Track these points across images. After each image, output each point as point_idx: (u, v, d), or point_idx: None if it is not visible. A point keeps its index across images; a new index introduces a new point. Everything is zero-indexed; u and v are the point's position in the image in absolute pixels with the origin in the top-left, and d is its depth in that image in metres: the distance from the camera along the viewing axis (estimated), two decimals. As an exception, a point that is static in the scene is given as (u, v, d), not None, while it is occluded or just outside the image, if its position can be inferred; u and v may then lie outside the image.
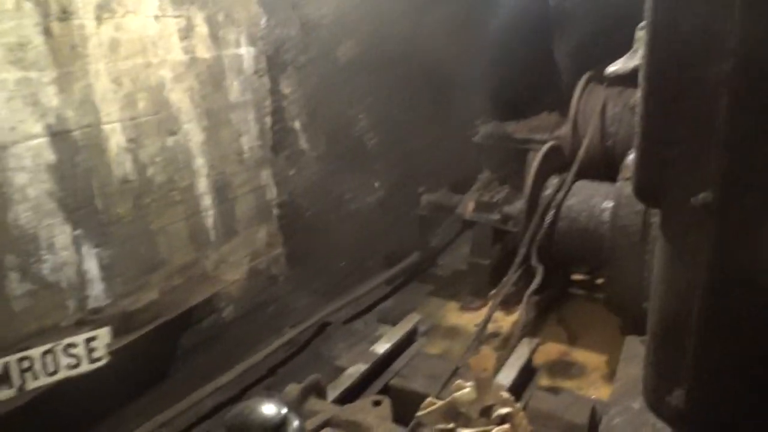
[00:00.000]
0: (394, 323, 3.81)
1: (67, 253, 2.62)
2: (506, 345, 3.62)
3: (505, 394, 2.05)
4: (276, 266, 3.83)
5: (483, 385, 2.02)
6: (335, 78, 4.23)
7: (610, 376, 3.39)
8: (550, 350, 3.77)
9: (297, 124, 3.95)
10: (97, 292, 2.74)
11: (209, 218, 3.34)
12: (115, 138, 2.82)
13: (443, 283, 4.73)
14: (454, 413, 2.01)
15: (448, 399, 2.06)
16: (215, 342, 3.40)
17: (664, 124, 1.12)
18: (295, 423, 1.76)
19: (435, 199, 4.66)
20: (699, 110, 1.06)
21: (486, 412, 1.96)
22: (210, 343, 3.37)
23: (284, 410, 1.75)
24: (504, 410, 1.96)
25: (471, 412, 1.97)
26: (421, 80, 5.16)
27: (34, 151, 2.49)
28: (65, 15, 2.58)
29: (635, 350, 3.15)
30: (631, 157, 3.58)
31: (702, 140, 1.06)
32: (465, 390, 2.04)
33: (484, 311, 3.98)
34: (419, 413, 2.10)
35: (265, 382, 3.38)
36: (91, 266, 2.72)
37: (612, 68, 1.50)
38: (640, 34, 1.58)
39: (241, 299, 3.58)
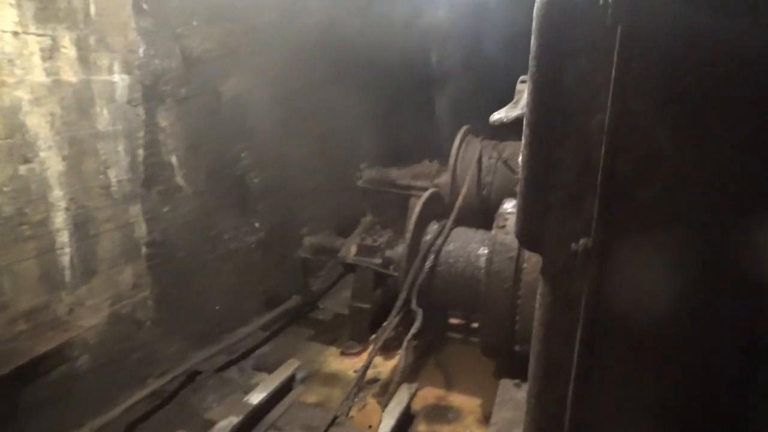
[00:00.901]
0: (270, 371, 3.64)
1: None
2: (386, 391, 3.58)
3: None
4: (142, 310, 3.52)
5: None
6: (218, 114, 4.09)
7: (486, 419, 3.47)
8: (428, 395, 3.79)
9: (174, 159, 3.74)
10: None
11: (65, 256, 3.01)
12: (-46, 163, 2.48)
13: (323, 328, 4.64)
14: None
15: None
16: (66, 396, 3.02)
17: (545, 171, 1.17)
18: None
19: (317, 242, 4.60)
20: (578, 158, 1.13)
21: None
22: (60, 398, 2.98)
23: None
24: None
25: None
26: (308, 122, 5.16)
27: None
28: None
29: (509, 393, 3.26)
30: (505, 206, 3.82)
31: (581, 187, 1.13)
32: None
33: (365, 356, 3.95)
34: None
35: (123, 440, 3.05)
36: None
37: (496, 116, 1.58)
38: (521, 87, 1.68)
39: (100, 347, 3.23)
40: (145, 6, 3.42)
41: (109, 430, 2.99)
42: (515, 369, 3.39)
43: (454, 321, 4.74)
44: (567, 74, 1.10)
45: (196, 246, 3.93)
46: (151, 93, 3.51)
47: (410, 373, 3.88)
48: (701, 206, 1.11)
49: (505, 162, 4.75)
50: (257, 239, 4.55)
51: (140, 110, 3.45)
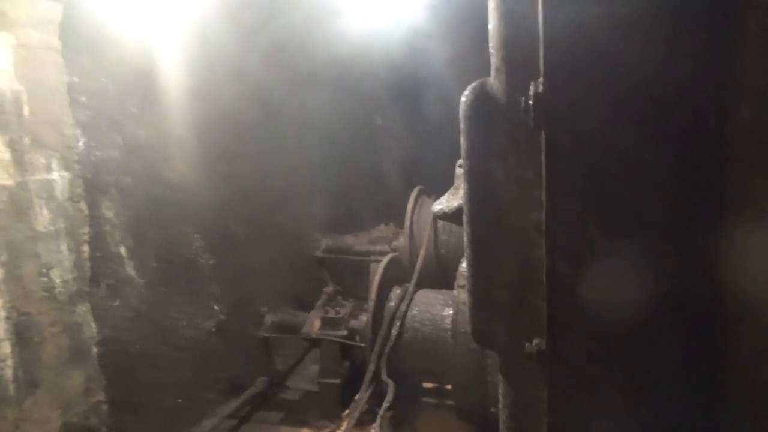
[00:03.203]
0: (240, 464, 3.43)
1: None
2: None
3: None
4: (96, 416, 3.30)
5: None
6: (164, 198, 4.01)
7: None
8: (408, 467, 3.64)
9: (122, 250, 3.62)
10: None
11: (7, 369, 2.81)
12: None
13: (293, 408, 4.45)
14: None
15: None
16: None
17: (488, 269, 1.17)
18: None
19: (279, 319, 4.48)
20: (518, 255, 1.13)
21: None
22: None
23: None
24: None
25: None
26: (256, 196, 5.11)
27: None
28: None
29: (488, 460, 3.16)
30: (464, 264, 3.83)
31: (525, 285, 1.12)
32: None
33: (338, 435, 3.79)
34: None
35: None
36: None
37: (437, 207, 1.59)
38: (459, 171, 1.70)
39: (50, 464, 2.99)
40: (83, 99, 3.37)
41: None
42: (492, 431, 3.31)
43: (427, 385, 4.63)
44: (497, 172, 1.12)
45: (151, 338, 3.75)
46: (93, 185, 3.41)
47: (387, 447, 3.74)
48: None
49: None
50: (215, 323, 4.39)
51: (82, 205, 3.34)
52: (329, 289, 4.79)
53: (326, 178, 6.28)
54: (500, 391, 1.25)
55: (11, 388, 2.82)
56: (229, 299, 4.55)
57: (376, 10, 5.44)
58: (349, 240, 5.23)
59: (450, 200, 1.60)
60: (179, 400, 3.92)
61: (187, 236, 4.23)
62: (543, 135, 1.07)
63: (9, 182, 2.90)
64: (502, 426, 1.24)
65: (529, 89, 1.07)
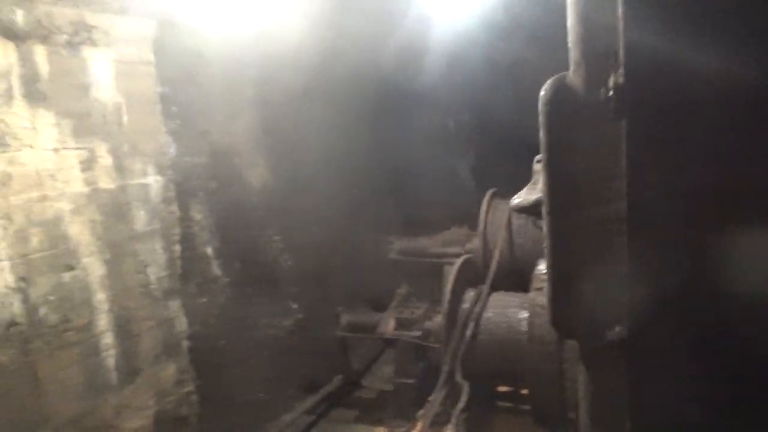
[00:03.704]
0: (318, 459, 3.54)
1: (-66, 416, 2.27)
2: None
3: None
4: (187, 406, 3.51)
5: None
6: (248, 202, 4.22)
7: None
8: (484, 470, 3.61)
9: (209, 250, 3.84)
10: (-32, 459, 2.36)
11: (109, 359, 3.05)
12: (2, 278, 2.58)
13: (368, 407, 4.52)
14: None
15: None
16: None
17: (570, 260, 1.17)
18: None
19: (354, 319, 4.57)
20: (600, 245, 1.13)
21: None
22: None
23: None
24: None
25: None
26: (336, 200, 5.25)
27: None
28: (-49, 151, 2.44)
29: (568, 465, 3.09)
30: (540, 267, 3.76)
31: (608, 275, 1.12)
32: None
33: (413, 435, 3.82)
34: None
35: None
36: (-36, 428, 2.36)
37: (515, 201, 1.59)
38: (537, 167, 1.70)
39: (146, 448, 3.22)
40: (174, 109, 3.62)
41: None
42: (572, 437, 3.24)
43: (502, 389, 4.57)
44: (577, 164, 1.13)
45: (235, 334, 3.95)
46: (183, 189, 3.65)
47: (462, 449, 3.72)
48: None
49: (534, 222, 4.72)
50: (294, 322, 4.55)
51: (174, 207, 3.58)
52: (403, 290, 4.84)
53: (400, 182, 6.35)
54: (580, 380, 1.24)
55: (112, 376, 3.06)
56: (306, 299, 4.70)
57: (448, 14, 5.46)
58: (423, 242, 5.26)
59: (528, 194, 1.60)
60: (261, 395, 4.09)
61: (268, 238, 4.42)
62: (624, 125, 1.07)
63: (111, 186, 3.16)
64: (582, 415, 1.23)
65: (609, 81, 1.07)
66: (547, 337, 3.49)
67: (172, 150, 3.61)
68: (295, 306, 4.57)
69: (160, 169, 3.50)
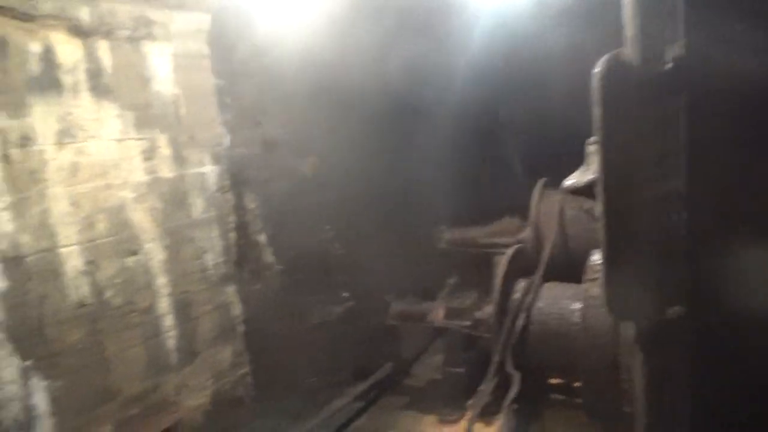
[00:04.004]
0: (368, 443, 3.58)
1: (14, 388, 2.43)
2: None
3: None
4: (241, 387, 3.63)
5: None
6: (299, 192, 4.29)
7: (599, 487, 3.22)
8: (534, 462, 3.57)
9: (262, 238, 3.93)
10: (45, 429, 2.52)
11: (170, 340, 3.19)
12: (72, 261, 2.74)
13: (418, 395, 4.54)
14: None
15: None
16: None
17: (625, 240, 1.15)
18: None
19: (404, 308, 4.58)
20: (656, 224, 1.10)
21: None
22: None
23: None
24: None
25: None
26: (384, 190, 5.28)
27: (-17, 279, 2.38)
28: (25, 142, 2.59)
29: (622, 458, 3.01)
30: (594, 257, 3.68)
31: (664, 254, 1.09)
32: None
33: (463, 423, 3.82)
34: None
35: None
36: (40, 400, 2.52)
37: (569, 182, 1.56)
38: (591, 149, 1.66)
39: (205, 426, 3.34)
40: (228, 100, 3.72)
41: None
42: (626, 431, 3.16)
43: (553, 381, 4.50)
44: (634, 142, 1.10)
45: (287, 321, 4.04)
46: (237, 179, 3.75)
47: (513, 439, 3.69)
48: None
49: (587, 212, 4.61)
50: (345, 310, 4.62)
51: (229, 196, 3.69)
52: (452, 281, 4.83)
53: (451, 172, 6.31)
54: (635, 362, 1.21)
55: (174, 356, 3.20)
56: (357, 288, 4.76)
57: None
58: (473, 232, 5.21)
59: (581, 175, 1.57)
60: (312, 380, 4.17)
61: (319, 227, 4.49)
62: (683, 100, 1.03)
63: (170, 175, 3.29)
64: (638, 395, 1.20)
65: (666, 54, 1.04)
66: (602, 328, 3.41)
67: (227, 141, 3.72)
68: (345, 294, 4.64)
69: (216, 159, 3.61)
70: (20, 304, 2.49)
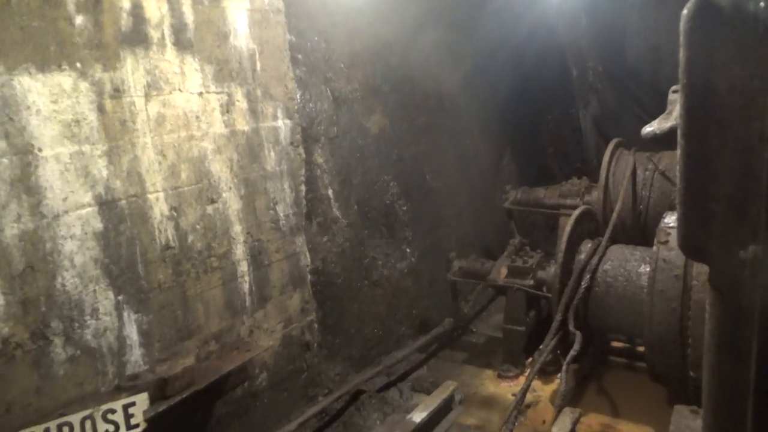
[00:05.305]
0: (428, 392, 3.72)
1: (109, 319, 2.67)
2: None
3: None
4: (309, 333, 3.82)
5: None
6: (365, 148, 4.37)
7: (659, 449, 3.23)
8: (593, 422, 3.61)
9: (330, 193, 4.05)
10: (135, 357, 2.77)
11: (245, 284, 3.39)
12: (159, 207, 2.93)
13: (477, 351, 4.64)
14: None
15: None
16: (248, 411, 3.36)
17: (704, 181, 1.14)
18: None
19: (466, 265, 4.64)
20: (739, 166, 1.08)
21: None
22: (243, 412, 3.33)
23: None
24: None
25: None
26: (451, 148, 5.29)
27: (83, 219, 2.60)
28: (117, 93, 2.76)
29: (685, 422, 2.99)
30: (667, 220, 3.58)
31: (744, 195, 1.08)
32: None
33: (521, 380, 3.88)
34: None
35: (298, 453, 3.30)
36: (131, 332, 2.76)
37: (648, 129, 1.53)
38: (673, 96, 1.61)
39: (275, 366, 3.56)
40: (299, 56, 3.80)
41: (285, 443, 3.26)
42: (691, 395, 3.13)
43: (616, 344, 4.48)
44: (719, 84, 1.07)
45: (352, 273, 4.18)
46: (307, 134, 3.86)
47: (572, 399, 3.73)
48: None
49: (662, 173, 4.46)
50: (408, 265, 4.72)
51: (300, 150, 3.81)
52: (516, 240, 4.83)
53: (519, 132, 6.22)
54: (708, 302, 1.22)
55: (247, 300, 3.40)
56: (420, 244, 4.85)
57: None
58: (539, 193, 5.16)
59: (662, 122, 1.55)
60: (375, 330, 4.33)
61: (385, 184, 4.57)
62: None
63: (246, 128, 3.42)
64: (707, 336, 1.21)
65: (761, -4, 1.01)
66: (670, 292, 3.35)
67: (298, 96, 3.81)
68: (408, 250, 4.73)
69: (288, 114, 3.72)
70: (114, 244, 2.72)
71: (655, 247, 3.54)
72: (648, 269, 3.62)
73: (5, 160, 2.34)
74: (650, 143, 4.43)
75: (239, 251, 3.35)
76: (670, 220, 3.56)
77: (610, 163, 4.68)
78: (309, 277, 3.84)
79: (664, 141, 1.50)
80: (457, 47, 5.18)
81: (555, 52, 6.08)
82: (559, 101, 6.46)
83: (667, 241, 3.44)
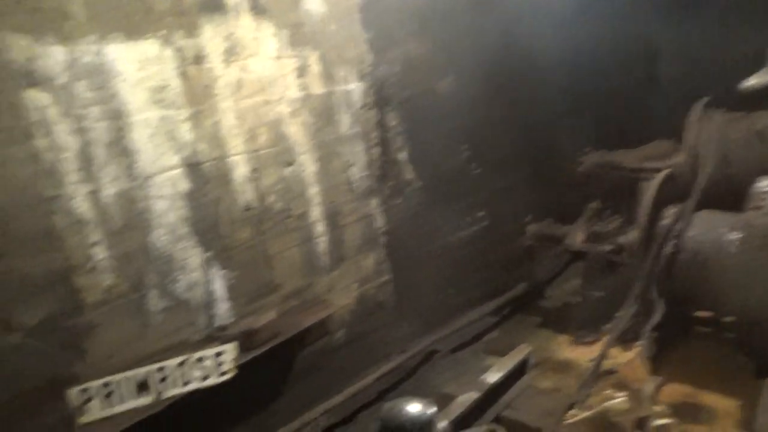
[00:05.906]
0: (502, 354, 3.72)
1: (198, 274, 2.84)
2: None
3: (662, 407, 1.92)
4: (383, 293, 3.90)
5: (637, 396, 1.91)
6: (437, 111, 4.32)
7: (745, 423, 3.09)
8: (674, 391, 3.49)
9: (402, 156, 4.06)
10: (222, 310, 2.94)
11: (321, 244, 3.49)
12: (239, 169, 3.05)
13: (552, 316, 4.57)
14: (605, 424, 1.91)
15: (598, 408, 1.96)
16: (327, 365, 3.50)
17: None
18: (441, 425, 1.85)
19: (541, 230, 4.55)
20: None
21: (641, 424, 1.84)
22: (322, 366, 3.47)
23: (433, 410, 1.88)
24: (661, 422, 1.84)
25: (625, 423, 1.87)
26: (524, 110, 5.13)
27: (171, 180, 2.75)
28: (199, 59, 2.87)
29: (777, 394, 2.85)
30: (761, 184, 3.34)
31: None
32: (618, 400, 1.94)
33: (598, 346, 3.80)
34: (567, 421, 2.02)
35: (373, 406, 3.41)
36: (218, 287, 2.93)
37: (748, 83, 1.42)
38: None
39: (352, 324, 3.68)
40: (371, 18, 3.78)
41: (361, 396, 3.38)
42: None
43: (700, 313, 4.28)
44: None
45: (425, 235, 4.21)
46: (379, 97, 3.86)
47: (652, 367, 3.62)
48: None
49: (757, 133, 4.14)
50: (481, 228, 4.68)
51: (372, 113, 3.82)
52: (594, 205, 4.66)
53: (598, 93, 5.94)
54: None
55: (324, 259, 3.51)
56: (494, 208, 4.78)
57: None
58: (619, 156, 4.92)
59: (762, 76, 1.44)
60: (449, 291, 4.35)
61: (457, 147, 4.52)
62: None
63: (320, 91, 3.47)
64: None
65: None
66: (762, 261, 3.16)
67: (370, 59, 3.81)
68: (481, 213, 4.68)
69: (361, 77, 3.73)
70: (200, 204, 2.86)
71: (746, 213, 3.34)
72: (739, 236, 3.42)
73: (102, 124, 2.50)
74: (741, 104, 4.11)
75: (315, 212, 3.45)
76: (765, 183, 3.33)
77: (697, 123, 4.38)
78: (382, 238, 3.89)
79: (763, 96, 1.39)
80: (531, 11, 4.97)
81: (633, 6, 5.71)
82: (637, 61, 6.08)
83: (760, 207, 3.23)
